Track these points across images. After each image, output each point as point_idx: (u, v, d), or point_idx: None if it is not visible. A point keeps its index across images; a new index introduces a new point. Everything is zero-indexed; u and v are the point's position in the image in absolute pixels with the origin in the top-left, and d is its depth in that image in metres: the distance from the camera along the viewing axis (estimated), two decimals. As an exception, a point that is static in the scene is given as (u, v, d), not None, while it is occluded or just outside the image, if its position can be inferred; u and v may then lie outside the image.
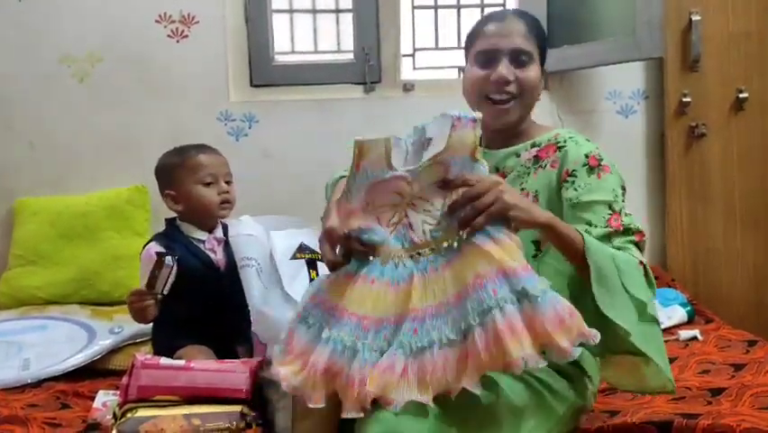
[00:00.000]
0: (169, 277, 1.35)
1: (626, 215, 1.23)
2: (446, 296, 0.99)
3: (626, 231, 1.21)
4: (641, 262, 1.17)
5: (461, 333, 0.97)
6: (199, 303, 1.44)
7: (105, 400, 1.40)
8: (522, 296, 0.95)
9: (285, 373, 1.02)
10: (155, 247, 1.45)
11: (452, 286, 1.00)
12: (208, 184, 1.47)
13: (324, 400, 1.01)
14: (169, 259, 1.34)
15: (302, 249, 1.35)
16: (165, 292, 1.36)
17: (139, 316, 1.40)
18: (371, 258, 1.03)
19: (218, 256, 1.49)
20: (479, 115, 1.06)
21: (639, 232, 1.22)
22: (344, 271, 1.04)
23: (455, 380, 0.97)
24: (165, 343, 1.45)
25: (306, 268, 1.32)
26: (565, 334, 0.94)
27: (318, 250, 1.13)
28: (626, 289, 1.10)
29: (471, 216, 1.00)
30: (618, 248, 1.18)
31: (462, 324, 0.97)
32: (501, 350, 0.93)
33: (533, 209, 1.08)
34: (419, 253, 1.02)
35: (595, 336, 0.95)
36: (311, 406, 1.00)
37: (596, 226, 1.21)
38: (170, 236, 1.49)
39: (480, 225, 1.00)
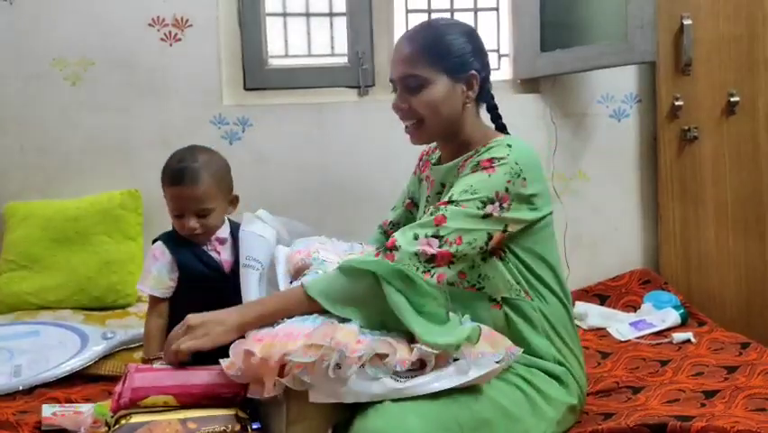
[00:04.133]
0: None
1: (455, 218, 1.17)
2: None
3: (427, 224, 1.18)
4: (379, 251, 1.17)
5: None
6: (203, 305, 1.44)
7: (53, 410, 1.39)
8: None
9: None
10: (160, 248, 1.45)
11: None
12: (176, 216, 1.44)
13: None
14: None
15: None
16: None
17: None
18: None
19: (223, 256, 1.48)
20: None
21: (441, 237, 1.16)
22: None
23: (406, 353, 1.11)
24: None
25: None
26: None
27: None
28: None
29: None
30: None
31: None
32: None
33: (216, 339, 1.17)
34: None
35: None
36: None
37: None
38: (176, 238, 1.47)
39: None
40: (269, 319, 1.16)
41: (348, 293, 1.15)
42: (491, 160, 1.22)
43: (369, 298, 1.15)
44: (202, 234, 1.45)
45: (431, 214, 1.20)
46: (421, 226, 1.19)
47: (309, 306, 1.16)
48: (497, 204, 1.20)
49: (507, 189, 1.21)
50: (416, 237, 1.17)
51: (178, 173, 1.41)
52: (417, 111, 1.28)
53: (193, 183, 1.40)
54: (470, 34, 1.32)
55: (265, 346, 1.09)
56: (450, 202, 1.20)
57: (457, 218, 1.18)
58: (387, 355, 1.09)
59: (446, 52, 1.28)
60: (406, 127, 1.33)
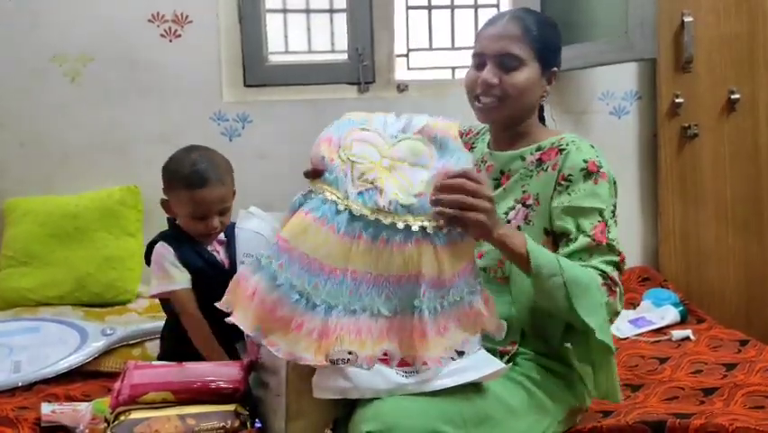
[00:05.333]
0: None
1: (613, 228, 1.23)
2: (387, 272, 1.05)
3: (610, 247, 1.21)
4: (606, 285, 1.17)
5: (392, 312, 1.06)
6: (204, 302, 1.44)
7: (52, 408, 1.39)
8: (443, 300, 1.07)
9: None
10: (164, 247, 1.46)
11: (395, 267, 1.05)
12: (199, 218, 1.43)
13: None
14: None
15: None
16: None
17: None
18: (312, 194, 1.09)
19: (221, 256, 1.50)
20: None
21: (621, 253, 1.21)
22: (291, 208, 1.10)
23: (372, 347, 1.05)
24: (172, 343, 1.47)
25: None
26: (468, 329, 1.09)
27: None
28: (576, 311, 1.12)
29: (449, 216, 1.05)
30: (594, 267, 1.18)
31: (396, 304, 1.06)
32: (420, 343, 1.06)
33: (507, 241, 1.11)
34: (378, 219, 1.05)
35: (499, 329, 1.12)
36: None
37: (582, 232, 1.21)
38: (175, 236, 1.48)
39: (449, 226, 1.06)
40: (508, 255, 1.14)
41: (552, 294, 1.13)
42: (595, 164, 1.24)
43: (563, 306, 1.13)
44: (218, 233, 1.47)
45: (609, 254, 1.20)
46: (607, 263, 1.19)
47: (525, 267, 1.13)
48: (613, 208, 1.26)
49: (615, 192, 1.28)
50: (611, 272, 1.19)
51: (201, 176, 1.41)
52: (506, 90, 1.28)
53: (219, 183, 1.42)
54: (559, 31, 1.35)
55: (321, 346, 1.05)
56: (605, 223, 1.22)
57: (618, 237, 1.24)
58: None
59: (544, 42, 1.29)
60: (481, 103, 1.30)
